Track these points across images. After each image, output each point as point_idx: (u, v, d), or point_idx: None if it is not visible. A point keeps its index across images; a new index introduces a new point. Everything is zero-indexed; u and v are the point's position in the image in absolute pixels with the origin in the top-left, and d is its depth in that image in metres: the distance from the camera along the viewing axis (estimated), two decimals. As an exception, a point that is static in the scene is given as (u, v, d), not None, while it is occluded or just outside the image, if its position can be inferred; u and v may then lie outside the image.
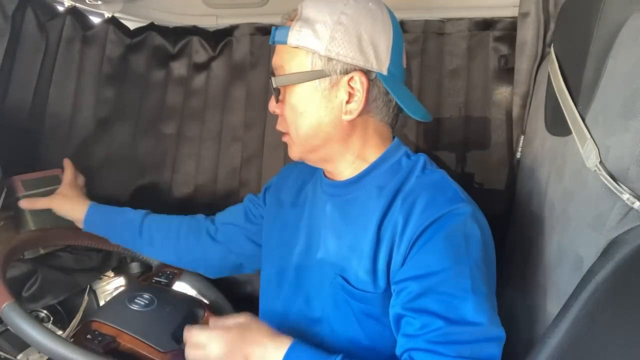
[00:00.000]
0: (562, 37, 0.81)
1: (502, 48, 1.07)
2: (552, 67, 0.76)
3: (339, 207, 0.72)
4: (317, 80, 0.65)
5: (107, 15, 1.20)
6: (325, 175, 0.76)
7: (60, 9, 1.10)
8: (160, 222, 0.93)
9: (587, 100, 0.59)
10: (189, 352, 0.65)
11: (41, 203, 0.91)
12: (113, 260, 1.12)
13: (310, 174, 0.81)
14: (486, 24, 1.08)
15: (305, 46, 0.64)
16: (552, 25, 0.91)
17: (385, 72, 0.66)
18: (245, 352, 0.61)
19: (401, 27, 1.13)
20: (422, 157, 0.71)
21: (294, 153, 0.72)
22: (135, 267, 1.17)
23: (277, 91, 0.68)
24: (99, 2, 1.14)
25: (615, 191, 0.50)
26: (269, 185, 0.91)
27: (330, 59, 0.64)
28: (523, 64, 0.95)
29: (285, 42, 0.65)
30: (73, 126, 1.14)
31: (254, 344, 0.62)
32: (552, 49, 0.82)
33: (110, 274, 1.15)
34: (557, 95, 0.70)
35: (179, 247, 0.91)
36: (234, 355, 0.62)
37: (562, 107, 0.66)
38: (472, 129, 1.10)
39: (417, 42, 1.11)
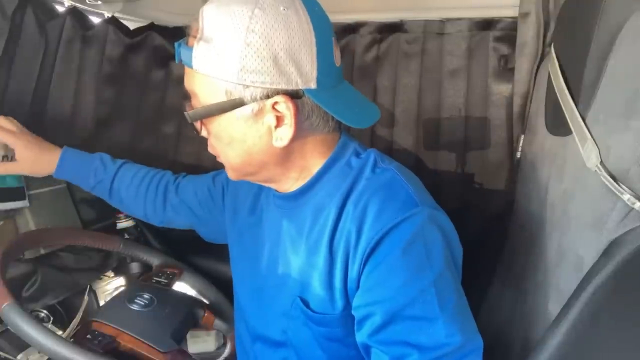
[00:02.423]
0: (562, 37, 0.81)
1: (502, 48, 1.07)
2: (553, 67, 0.76)
3: (293, 220, 0.67)
4: (236, 110, 0.57)
5: (107, 15, 1.20)
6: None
7: (60, 9, 1.10)
8: (129, 185, 0.93)
9: (587, 100, 0.59)
10: None
11: (6, 168, 0.86)
12: (113, 260, 1.11)
13: None
14: (486, 24, 1.07)
15: (213, 75, 0.55)
16: (552, 25, 0.91)
17: (313, 86, 0.57)
18: None
19: (401, 27, 1.15)
20: (372, 154, 0.65)
21: (230, 175, 0.67)
22: (135, 267, 1.17)
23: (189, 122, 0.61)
24: (99, 2, 1.14)
25: (616, 192, 0.50)
26: (227, 184, 0.86)
27: (246, 86, 0.55)
28: (523, 64, 0.95)
29: (190, 66, 0.56)
30: (73, 126, 1.14)
31: None
32: (552, 49, 0.82)
33: (110, 274, 1.15)
34: (558, 95, 0.69)
35: (147, 210, 0.95)
36: None
37: (563, 107, 0.66)
38: (472, 129, 1.10)
39: (417, 42, 1.11)
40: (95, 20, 1.19)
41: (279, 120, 0.58)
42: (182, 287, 1.07)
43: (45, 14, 1.04)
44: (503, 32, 1.06)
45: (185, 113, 0.60)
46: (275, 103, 0.56)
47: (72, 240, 0.95)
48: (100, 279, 1.12)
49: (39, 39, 1.03)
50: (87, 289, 1.06)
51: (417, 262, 0.55)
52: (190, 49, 0.56)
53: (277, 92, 0.56)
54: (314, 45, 0.56)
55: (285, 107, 0.56)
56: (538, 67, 0.93)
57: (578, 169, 0.60)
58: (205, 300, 1.04)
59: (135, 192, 0.93)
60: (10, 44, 0.96)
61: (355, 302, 0.59)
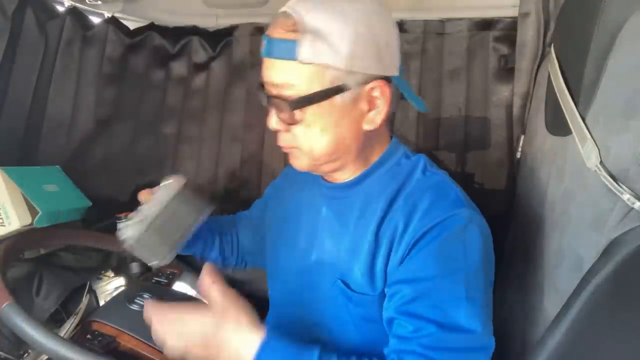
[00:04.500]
0: (562, 37, 0.81)
1: (502, 48, 1.07)
2: (552, 67, 0.76)
3: (335, 209, 0.70)
4: (337, 96, 0.60)
5: (107, 15, 1.20)
6: (323, 178, 0.73)
7: (60, 9, 1.11)
8: (232, 243, 0.92)
9: (587, 100, 0.59)
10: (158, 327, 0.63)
11: None
12: (113, 260, 1.11)
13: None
14: (486, 24, 1.08)
15: (323, 62, 0.58)
16: (552, 25, 0.91)
17: (397, 74, 0.63)
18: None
19: (401, 27, 1.15)
20: (422, 158, 0.69)
21: (303, 165, 0.67)
22: (135, 267, 1.17)
23: (291, 111, 0.61)
24: (99, 2, 1.14)
25: (616, 191, 0.50)
26: (266, 202, 0.88)
27: (350, 72, 0.59)
28: (523, 64, 0.95)
29: (294, 58, 0.58)
30: (73, 126, 1.15)
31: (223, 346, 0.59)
32: (552, 49, 0.82)
33: (110, 274, 1.15)
34: (558, 95, 0.70)
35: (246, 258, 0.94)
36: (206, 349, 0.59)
37: (563, 107, 0.66)
38: (472, 129, 1.10)
39: (417, 42, 1.11)
40: (95, 20, 1.20)
41: (371, 105, 0.62)
42: (182, 287, 1.07)
43: (45, 13, 1.04)
44: (503, 32, 1.06)
45: (285, 103, 0.60)
46: (372, 89, 0.61)
47: (73, 240, 0.96)
48: (100, 279, 1.12)
49: (39, 38, 1.03)
50: (87, 289, 1.06)
51: (454, 256, 0.59)
52: (291, 41, 0.58)
53: (375, 78, 0.61)
54: (397, 37, 0.63)
55: (381, 91, 0.61)
56: (538, 67, 0.93)
57: (578, 169, 0.60)
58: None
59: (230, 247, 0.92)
60: (11, 44, 0.96)
61: (390, 279, 0.62)
